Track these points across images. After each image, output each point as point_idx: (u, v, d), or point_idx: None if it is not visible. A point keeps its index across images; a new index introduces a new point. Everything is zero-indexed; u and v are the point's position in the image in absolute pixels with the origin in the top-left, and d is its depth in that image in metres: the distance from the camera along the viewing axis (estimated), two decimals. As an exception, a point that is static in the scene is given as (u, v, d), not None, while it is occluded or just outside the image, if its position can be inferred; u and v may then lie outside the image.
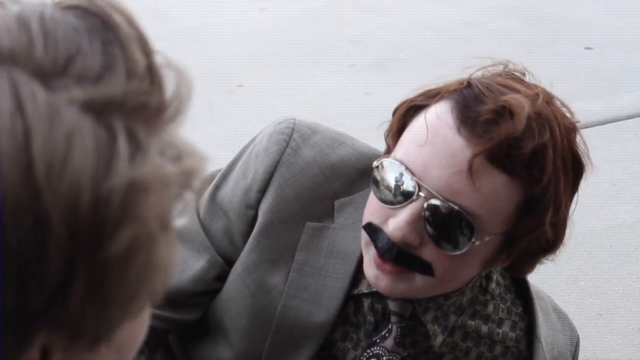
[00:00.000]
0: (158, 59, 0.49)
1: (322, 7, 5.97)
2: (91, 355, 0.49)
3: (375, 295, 1.12)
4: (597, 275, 2.79)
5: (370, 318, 1.12)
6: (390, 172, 0.99)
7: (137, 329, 0.53)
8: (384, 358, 1.12)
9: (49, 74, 0.44)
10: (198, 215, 1.19)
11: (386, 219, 1.00)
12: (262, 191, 1.13)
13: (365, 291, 1.11)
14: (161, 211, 0.47)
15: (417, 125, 1.00)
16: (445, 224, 0.97)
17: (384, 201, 1.00)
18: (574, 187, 1.03)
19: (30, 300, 0.43)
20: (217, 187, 1.19)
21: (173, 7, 5.92)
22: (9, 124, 0.41)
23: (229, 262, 1.18)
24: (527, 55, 5.07)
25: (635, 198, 3.27)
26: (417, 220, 0.97)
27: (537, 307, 1.19)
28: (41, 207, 0.42)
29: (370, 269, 1.04)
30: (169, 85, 0.49)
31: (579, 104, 4.29)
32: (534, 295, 1.20)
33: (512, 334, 1.17)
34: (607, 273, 2.81)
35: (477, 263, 1.04)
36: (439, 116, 0.97)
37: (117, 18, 0.48)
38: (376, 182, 1.01)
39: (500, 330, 1.17)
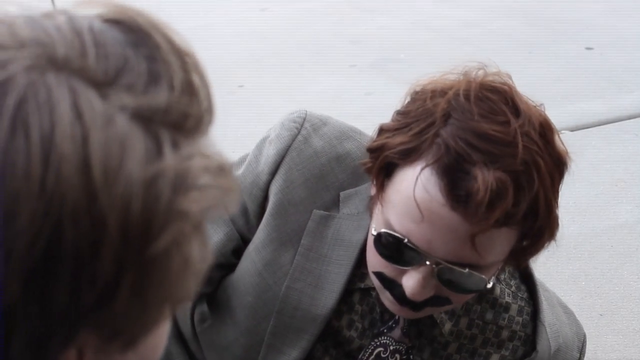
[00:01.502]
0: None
1: (322, 8, 5.97)
2: (120, 358, 0.51)
3: None
4: (598, 275, 2.79)
5: (378, 308, 1.16)
6: (393, 242, 1.01)
7: (160, 338, 0.55)
8: (391, 347, 1.15)
9: (102, 84, 0.46)
10: None
11: (398, 274, 1.04)
12: (273, 173, 1.18)
13: (372, 285, 1.14)
14: (199, 214, 0.49)
15: (406, 196, 0.98)
16: (457, 281, 1.01)
17: (393, 263, 1.03)
18: (561, 181, 1.02)
19: (82, 299, 0.46)
20: (235, 167, 1.24)
21: (173, 7, 5.92)
22: (69, 130, 0.44)
23: (245, 240, 1.23)
24: (527, 55, 5.07)
25: (636, 198, 3.27)
26: (430, 278, 1.01)
27: (541, 294, 1.22)
28: (97, 209, 0.44)
29: (391, 305, 1.08)
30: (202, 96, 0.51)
31: (580, 104, 4.29)
32: (538, 283, 1.22)
33: (519, 318, 1.20)
34: (608, 273, 2.80)
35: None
36: (427, 190, 0.96)
37: (156, 34, 0.50)
38: (379, 249, 1.04)
39: (507, 315, 1.20)
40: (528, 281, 1.23)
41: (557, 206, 1.01)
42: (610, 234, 3.02)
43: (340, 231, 1.16)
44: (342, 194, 1.18)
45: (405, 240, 0.99)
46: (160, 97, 0.48)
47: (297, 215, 1.17)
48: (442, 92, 0.99)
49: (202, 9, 5.99)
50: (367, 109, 3.81)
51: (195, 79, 0.51)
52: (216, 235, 1.23)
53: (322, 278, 1.16)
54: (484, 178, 0.91)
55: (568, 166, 1.01)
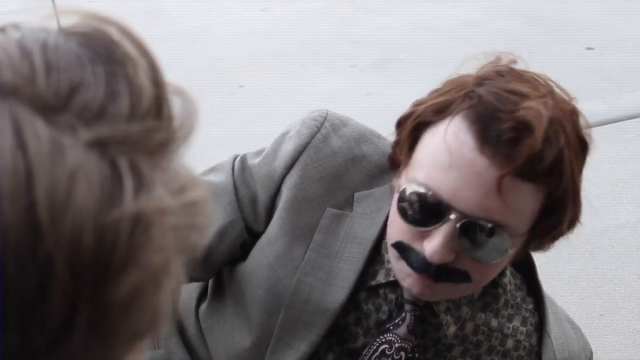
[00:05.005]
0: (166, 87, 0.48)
1: (323, 8, 5.97)
2: None
3: (390, 285, 1.15)
4: (599, 275, 2.79)
5: (384, 307, 1.16)
6: (416, 198, 1.00)
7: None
8: (396, 345, 1.15)
9: (51, 108, 0.42)
10: (233, 174, 1.25)
11: (417, 239, 1.03)
12: (288, 168, 1.18)
13: (383, 281, 1.15)
14: (167, 256, 0.45)
15: (435, 146, 0.99)
16: (479, 239, 0.99)
17: (414, 225, 1.02)
18: (583, 165, 1.04)
19: (32, 341, 0.42)
20: (251, 156, 1.25)
21: (174, 7, 5.93)
22: (11, 163, 0.40)
23: (250, 231, 1.24)
24: (528, 55, 5.03)
25: (637, 198, 3.27)
26: (452, 240, 0.99)
27: (548, 306, 1.22)
28: (44, 248, 0.41)
29: (408, 280, 1.06)
30: (176, 112, 0.47)
31: (580, 104, 4.27)
32: (545, 296, 1.22)
33: (522, 328, 1.20)
34: (609, 273, 2.80)
35: (508, 260, 1.07)
36: (457, 136, 0.97)
37: (125, 46, 0.46)
38: (402, 207, 1.03)
39: (511, 325, 1.19)
40: (535, 293, 1.23)
41: (581, 188, 1.02)
42: (610, 234, 3.02)
43: (352, 229, 1.17)
44: (356, 194, 1.18)
45: (429, 193, 0.98)
46: (118, 118, 0.44)
47: (311, 211, 1.18)
48: (473, 73, 1.03)
49: (202, 10, 6.00)
50: (367, 109, 3.81)
51: (169, 92, 0.47)
52: (221, 220, 1.24)
53: (332, 274, 1.16)
54: (514, 118, 0.94)
55: (589, 151, 1.03)
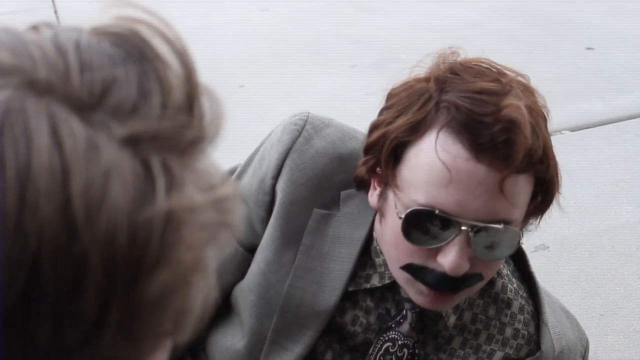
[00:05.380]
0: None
1: (323, 8, 5.97)
2: None
3: (386, 287, 1.16)
4: (599, 275, 2.79)
5: (383, 304, 1.17)
6: (423, 218, 1.00)
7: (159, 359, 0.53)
8: (399, 342, 1.16)
9: (86, 106, 0.43)
10: None
11: (428, 258, 1.03)
12: (276, 177, 1.18)
13: (378, 285, 1.15)
14: (197, 254, 0.46)
15: (428, 165, 0.99)
16: (494, 242, 1.01)
17: (425, 245, 1.02)
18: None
19: (65, 338, 0.43)
20: (238, 178, 1.25)
21: (174, 7, 5.92)
22: (47, 161, 0.41)
23: (251, 250, 1.23)
24: (528, 55, 5.07)
25: (636, 198, 3.27)
26: (465, 249, 1.00)
27: (542, 294, 1.23)
28: (79, 246, 0.41)
29: (421, 298, 1.07)
30: (205, 112, 0.48)
31: (580, 104, 4.29)
32: (539, 285, 1.23)
33: (520, 316, 1.21)
34: (609, 273, 2.80)
35: None
36: (448, 151, 0.97)
37: (157, 45, 0.47)
38: (408, 231, 1.02)
39: (509, 312, 1.20)
40: (528, 281, 1.24)
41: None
42: (610, 234, 3.02)
43: (340, 229, 1.17)
44: (342, 193, 1.18)
45: (436, 211, 0.99)
46: (150, 117, 0.44)
47: (299, 214, 1.17)
48: (425, 78, 1.03)
49: (202, 10, 6.00)
50: (367, 109, 3.80)
51: (200, 91, 0.47)
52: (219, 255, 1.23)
53: (324, 275, 1.16)
54: (499, 119, 0.95)
55: (548, 121, 1.05)
